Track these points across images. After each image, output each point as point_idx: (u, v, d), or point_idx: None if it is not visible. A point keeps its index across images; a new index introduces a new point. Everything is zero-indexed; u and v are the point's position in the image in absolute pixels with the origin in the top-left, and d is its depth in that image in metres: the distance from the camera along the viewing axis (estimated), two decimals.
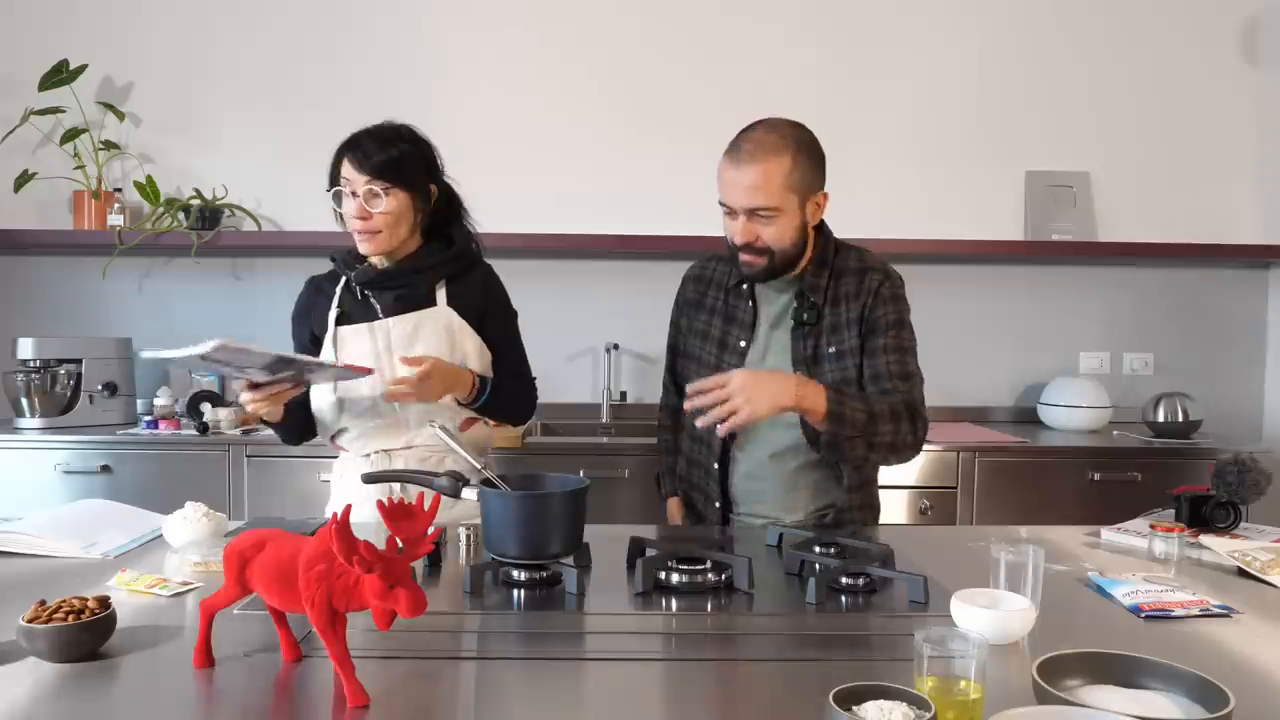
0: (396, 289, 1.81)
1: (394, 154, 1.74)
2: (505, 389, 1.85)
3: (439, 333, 1.80)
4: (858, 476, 1.82)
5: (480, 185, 3.36)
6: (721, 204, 1.73)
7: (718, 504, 1.87)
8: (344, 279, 1.86)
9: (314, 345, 1.88)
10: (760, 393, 1.56)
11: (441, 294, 1.83)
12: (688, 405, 1.63)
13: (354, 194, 1.74)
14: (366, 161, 1.73)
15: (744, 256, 1.73)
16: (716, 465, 1.85)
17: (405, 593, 0.93)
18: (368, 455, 1.82)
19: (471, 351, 1.82)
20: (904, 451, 1.74)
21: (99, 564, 1.49)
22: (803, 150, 1.69)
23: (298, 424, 1.86)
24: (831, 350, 1.76)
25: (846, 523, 1.81)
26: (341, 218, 1.80)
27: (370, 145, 1.75)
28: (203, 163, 3.36)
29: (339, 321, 1.84)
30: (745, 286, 1.85)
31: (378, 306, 1.82)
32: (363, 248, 1.78)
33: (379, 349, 1.79)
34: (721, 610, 1.31)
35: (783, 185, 1.66)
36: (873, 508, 1.90)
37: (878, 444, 1.69)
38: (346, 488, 1.84)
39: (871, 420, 1.65)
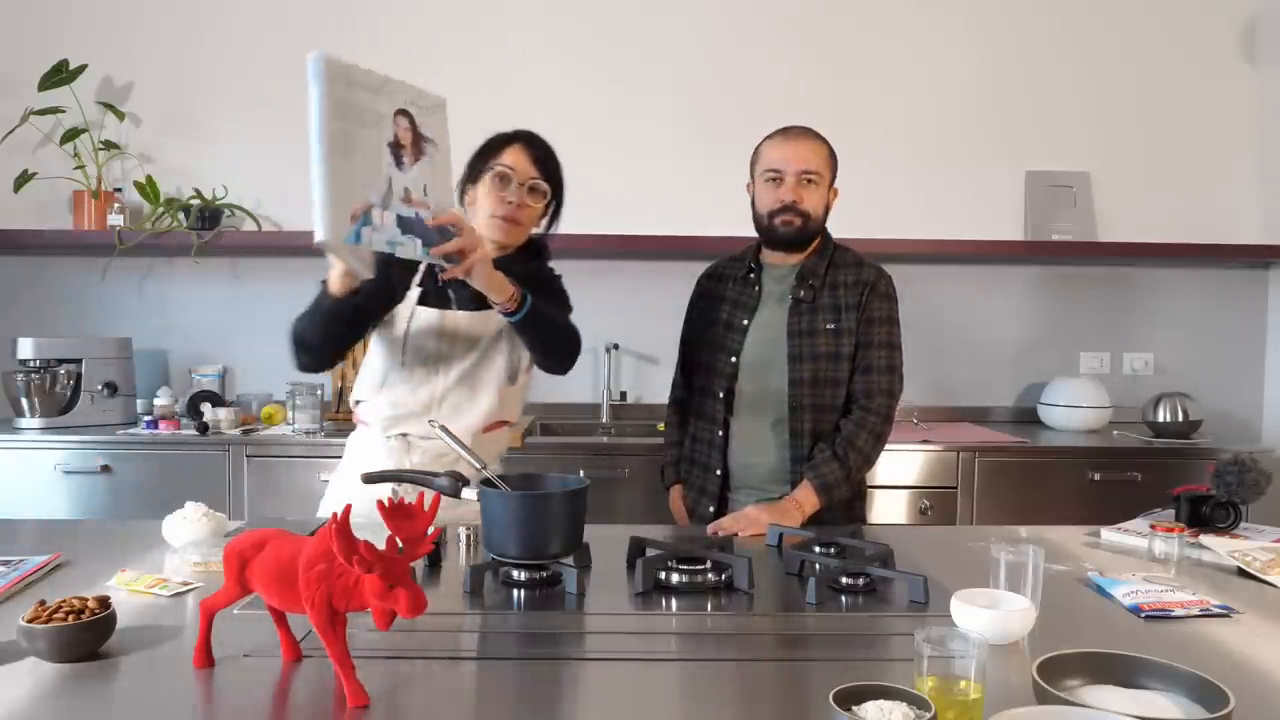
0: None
1: (558, 161, 1.83)
2: (549, 312, 1.75)
3: (504, 332, 1.79)
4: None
5: None
6: (768, 172, 1.95)
7: (719, 472, 1.98)
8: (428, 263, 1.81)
9: (383, 297, 1.77)
10: (763, 518, 1.76)
11: None
12: (710, 528, 1.78)
13: (519, 183, 1.77)
14: (540, 158, 1.79)
15: (783, 218, 1.94)
16: (720, 434, 1.98)
17: (405, 593, 0.93)
18: (389, 437, 1.80)
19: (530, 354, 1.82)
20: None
21: (99, 564, 1.49)
22: (830, 147, 1.99)
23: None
24: (830, 327, 1.94)
25: (836, 497, 1.89)
26: (459, 196, 1.79)
27: (543, 145, 1.81)
28: (203, 163, 3.36)
29: (419, 301, 1.81)
30: (752, 275, 2.04)
31: (453, 298, 1.82)
32: (497, 234, 1.79)
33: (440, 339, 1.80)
34: (721, 610, 1.31)
35: (825, 160, 1.96)
36: (859, 484, 2.02)
37: (871, 462, 1.95)
38: (355, 463, 1.80)
39: (857, 471, 1.91)
